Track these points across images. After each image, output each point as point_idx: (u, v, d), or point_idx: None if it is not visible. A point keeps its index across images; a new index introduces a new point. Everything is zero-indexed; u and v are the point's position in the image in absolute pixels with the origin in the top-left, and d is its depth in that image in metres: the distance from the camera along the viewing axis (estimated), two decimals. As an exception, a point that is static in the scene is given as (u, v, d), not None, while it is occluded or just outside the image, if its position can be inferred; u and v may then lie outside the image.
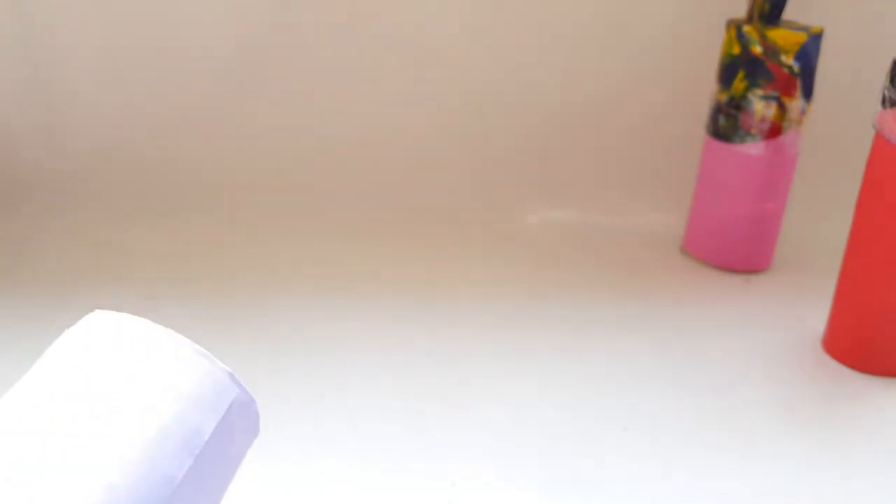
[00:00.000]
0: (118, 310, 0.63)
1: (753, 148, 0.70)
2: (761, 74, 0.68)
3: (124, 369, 0.25)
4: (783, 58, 0.68)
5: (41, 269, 0.67)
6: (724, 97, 0.71)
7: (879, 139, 0.57)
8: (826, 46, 0.81)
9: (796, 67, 0.68)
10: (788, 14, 0.80)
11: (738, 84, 0.69)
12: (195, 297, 0.66)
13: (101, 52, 0.76)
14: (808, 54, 0.68)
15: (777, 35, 0.67)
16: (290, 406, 0.55)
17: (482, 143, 0.82)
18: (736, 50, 0.69)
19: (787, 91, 0.69)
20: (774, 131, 0.70)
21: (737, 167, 0.71)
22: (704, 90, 0.82)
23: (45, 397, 0.24)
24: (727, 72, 0.70)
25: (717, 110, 0.71)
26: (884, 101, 0.56)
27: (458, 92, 0.81)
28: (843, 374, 0.61)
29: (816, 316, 0.69)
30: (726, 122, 0.71)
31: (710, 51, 0.80)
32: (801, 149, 0.74)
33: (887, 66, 0.82)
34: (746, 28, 0.68)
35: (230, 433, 0.26)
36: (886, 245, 0.58)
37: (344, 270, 0.72)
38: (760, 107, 0.69)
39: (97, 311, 0.28)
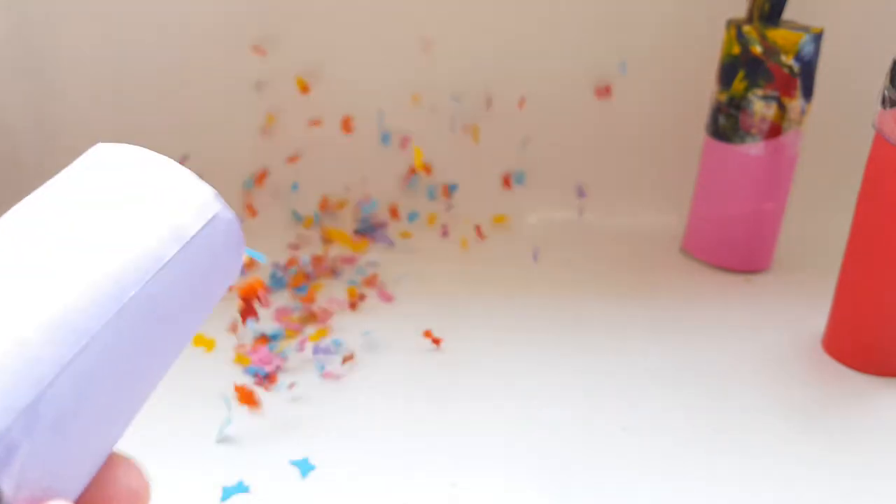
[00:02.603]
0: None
1: (753, 148, 0.70)
2: (761, 74, 0.68)
3: (119, 178, 0.27)
4: (783, 58, 0.68)
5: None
6: (724, 97, 0.71)
7: (879, 139, 0.57)
8: (826, 46, 0.81)
9: (796, 67, 0.68)
10: (788, 14, 0.80)
11: (738, 84, 0.69)
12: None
13: (100, 52, 0.76)
14: (808, 54, 0.68)
15: (777, 35, 0.67)
16: (291, 404, 0.55)
17: (482, 142, 0.82)
18: (736, 50, 0.69)
19: (787, 91, 0.69)
20: (774, 131, 0.70)
21: (737, 167, 0.71)
22: (704, 90, 0.82)
23: (47, 199, 0.27)
24: (727, 72, 0.70)
25: (717, 110, 0.71)
26: (884, 101, 0.56)
27: (458, 92, 0.81)
28: (843, 374, 0.61)
29: (816, 316, 0.69)
30: (726, 122, 0.71)
31: (710, 51, 0.80)
32: (801, 149, 0.74)
33: (887, 66, 0.82)
34: (746, 28, 0.68)
35: (215, 238, 0.29)
36: (886, 245, 0.58)
37: (343, 268, 0.72)
38: (760, 107, 0.69)
39: (100, 143, 0.30)
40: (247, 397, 0.53)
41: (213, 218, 0.28)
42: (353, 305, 0.66)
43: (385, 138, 0.74)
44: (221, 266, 0.29)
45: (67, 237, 0.25)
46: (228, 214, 0.29)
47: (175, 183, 0.28)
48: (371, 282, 0.69)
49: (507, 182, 0.66)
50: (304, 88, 0.72)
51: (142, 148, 0.29)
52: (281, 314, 0.64)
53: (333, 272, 0.71)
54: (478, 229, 0.77)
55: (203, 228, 0.28)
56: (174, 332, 0.27)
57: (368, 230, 0.77)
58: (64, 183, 0.27)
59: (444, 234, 0.78)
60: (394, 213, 0.79)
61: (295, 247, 0.75)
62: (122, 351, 0.25)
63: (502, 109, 0.82)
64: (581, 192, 0.74)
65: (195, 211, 0.28)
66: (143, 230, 0.26)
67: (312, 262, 0.71)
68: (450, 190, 0.75)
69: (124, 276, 0.25)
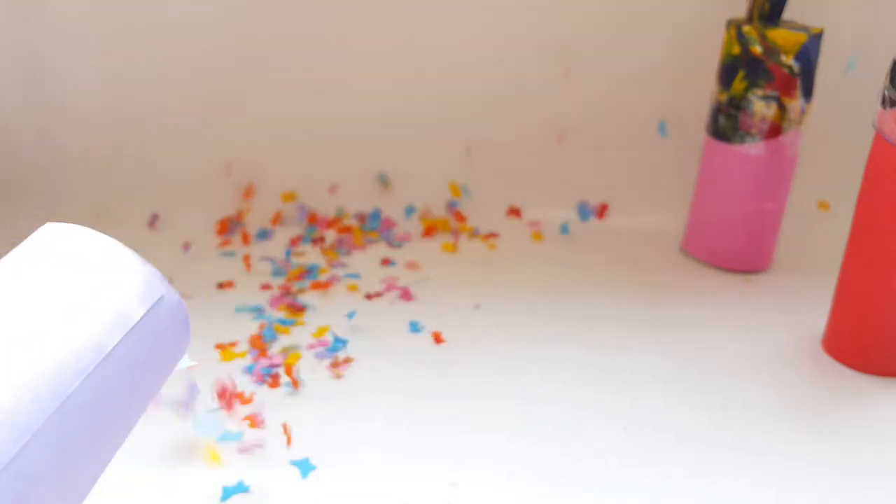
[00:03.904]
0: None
1: (753, 148, 0.70)
2: (761, 74, 0.68)
3: (63, 263, 0.27)
4: (783, 58, 0.68)
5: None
6: (724, 97, 0.71)
7: (879, 139, 0.57)
8: (826, 46, 0.81)
9: (796, 67, 0.68)
10: (788, 14, 0.80)
11: (738, 84, 0.69)
12: (194, 298, 0.66)
13: (100, 54, 0.76)
14: (808, 54, 0.68)
15: (777, 35, 0.67)
16: (291, 404, 0.55)
17: (483, 143, 0.82)
18: (736, 50, 0.69)
19: (787, 91, 0.69)
20: (774, 131, 0.70)
21: (737, 167, 0.71)
22: (704, 90, 0.82)
23: None
24: (727, 72, 0.70)
25: (717, 110, 0.71)
26: (884, 101, 0.56)
27: (459, 91, 0.81)
28: (843, 374, 0.61)
29: (816, 316, 0.69)
30: (726, 122, 0.71)
31: (710, 51, 0.80)
32: (801, 149, 0.74)
33: (887, 66, 0.82)
34: (746, 28, 0.68)
35: (159, 324, 0.28)
36: (886, 245, 0.58)
37: (343, 267, 0.72)
38: (760, 107, 0.69)
39: (48, 223, 0.30)
40: (251, 420, 0.53)
41: (158, 302, 0.27)
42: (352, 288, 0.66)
43: (383, 178, 0.75)
44: (167, 349, 0.28)
45: (7, 330, 0.24)
46: (174, 297, 0.28)
47: (120, 267, 0.27)
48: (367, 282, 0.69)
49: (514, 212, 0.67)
50: (249, 194, 0.74)
51: (88, 229, 0.29)
52: (274, 302, 0.65)
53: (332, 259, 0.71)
54: (483, 236, 0.77)
55: (148, 313, 0.27)
56: (119, 420, 0.26)
57: (376, 230, 0.77)
58: (6, 270, 0.26)
59: (450, 234, 0.78)
60: (428, 231, 0.78)
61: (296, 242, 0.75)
62: (65, 445, 0.24)
63: (502, 108, 0.82)
64: (598, 211, 0.74)
65: (139, 296, 0.27)
66: (85, 319, 0.25)
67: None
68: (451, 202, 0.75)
69: (66, 368, 0.24)
